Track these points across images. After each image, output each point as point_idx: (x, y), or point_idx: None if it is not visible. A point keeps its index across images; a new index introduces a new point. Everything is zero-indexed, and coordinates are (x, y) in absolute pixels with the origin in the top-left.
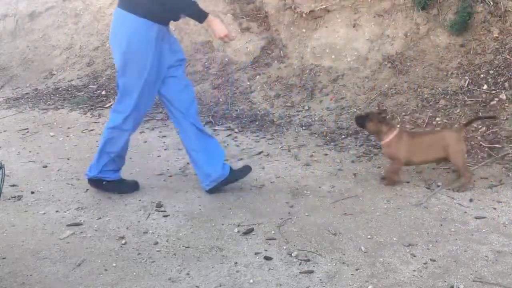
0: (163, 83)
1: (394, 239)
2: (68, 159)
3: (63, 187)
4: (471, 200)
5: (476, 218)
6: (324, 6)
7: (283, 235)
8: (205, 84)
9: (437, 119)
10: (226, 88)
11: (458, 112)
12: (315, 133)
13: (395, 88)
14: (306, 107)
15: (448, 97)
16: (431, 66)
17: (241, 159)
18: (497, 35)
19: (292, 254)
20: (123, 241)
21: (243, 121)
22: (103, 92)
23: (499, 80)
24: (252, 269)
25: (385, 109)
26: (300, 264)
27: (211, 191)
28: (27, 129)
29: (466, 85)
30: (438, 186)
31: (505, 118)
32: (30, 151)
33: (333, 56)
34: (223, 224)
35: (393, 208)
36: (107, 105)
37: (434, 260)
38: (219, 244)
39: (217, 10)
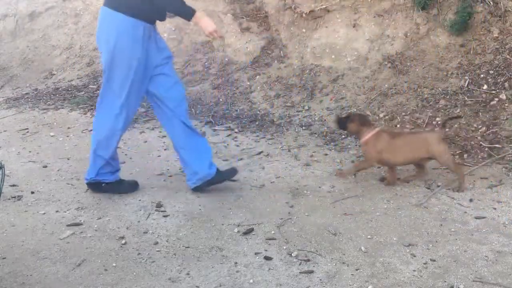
0: (151, 81)
1: (394, 239)
2: (68, 159)
3: (63, 187)
4: (471, 200)
5: (476, 218)
6: (324, 6)
7: (283, 235)
8: (205, 84)
9: (437, 119)
10: (226, 88)
11: (458, 112)
12: (315, 133)
13: (395, 88)
14: (306, 107)
15: (448, 97)
16: (431, 66)
17: (241, 159)
18: (497, 35)
19: (292, 254)
20: (123, 241)
21: (243, 121)
22: None
23: (499, 80)
24: (252, 269)
25: (365, 115)
26: (300, 264)
27: (196, 189)
28: (27, 129)
29: (466, 85)
30: (438, 186)
31: (505, 118)
32: (30, 151)
33: (333, 56)
34: (223, 224)
35: (393, 208)
36: None
37: (434, 260)
38: (219, 244)
39: (217, 10)
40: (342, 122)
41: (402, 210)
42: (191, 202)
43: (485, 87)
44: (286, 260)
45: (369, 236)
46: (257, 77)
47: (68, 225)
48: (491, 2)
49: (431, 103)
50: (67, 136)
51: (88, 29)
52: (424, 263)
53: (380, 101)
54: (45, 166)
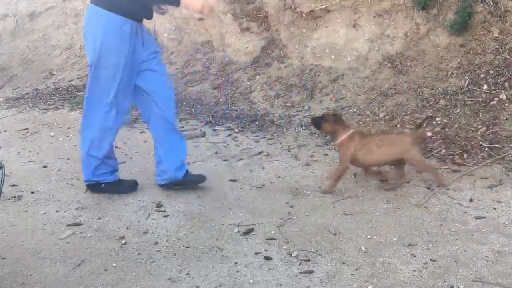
0: (139, 75)
1: (394, 239)
2: (68, 159)
3: (63, 187)
4: (471, 200)
5: (476, 218)
6: (324, 6)
7: (283, 235)
8: (205, 84)
9: (437, 119)
10: (226, 88)
11: (458, 112)
12: (315, 133)
13: (395, 88)
14: (306, 107)
15: (448, 97)
16: (431, 66)
17: (241, 159)
18: (497, 35)
19: (292, 254)
20: (123, 241)
21: (243, 121)
22: None
23: (499, 80)
24: (252, 269)
25: (338, 113)
26: (300, 264)
27: (162, 186)
28: (27, 129)
29: (466, 85)
30: (438, 186)
31: (505, 118)
32: (30, 151)
33: (333, 56)
34: (223, 224)
35: (393, 208)
36: None
37: (434, 260)
38: (219, 244)
39: (217, 10)
40: (317, 122)
41: (402, 210)
42: (191, 202)
43: (485, 87)
44: (286, 260)
45: (369, 236)
46: (257, 77)
47: (68, 225)
48: (491, 2)
49: (431, 103)
50: (67, 136)
51: None
52: (424, 263)
53: (380, 101)
54: (45, 166)
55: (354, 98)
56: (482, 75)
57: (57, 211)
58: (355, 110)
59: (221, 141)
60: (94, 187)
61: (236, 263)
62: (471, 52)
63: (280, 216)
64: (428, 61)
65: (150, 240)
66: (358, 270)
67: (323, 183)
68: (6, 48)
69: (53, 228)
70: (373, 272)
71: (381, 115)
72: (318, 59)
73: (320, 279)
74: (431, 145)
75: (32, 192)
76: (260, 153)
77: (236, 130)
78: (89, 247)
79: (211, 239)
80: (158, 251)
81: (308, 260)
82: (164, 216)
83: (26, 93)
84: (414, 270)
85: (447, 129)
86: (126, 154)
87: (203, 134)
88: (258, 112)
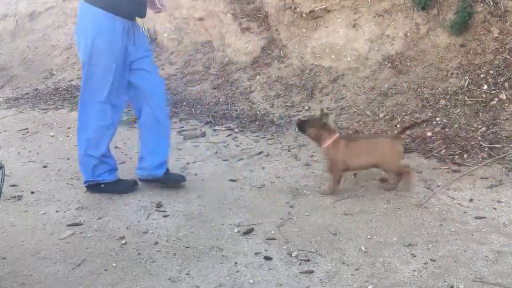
0: (132, 73)
1: (394, 239)
2: (68, 159)
3: (63, 187)
4: (471, 200)
5: (476, 218)
6: (324, 6)
7: (283, 235)
8: (205, 84)
9: (437, 119)
10: (226, 88)
11: (458, 112)
12: None
13: (395, 88)
14: (306, 107)
15: (448, 97)
16: (431, 66)
17: (241, 159)
18: (497, 35)
19: (292, 254)
20: (123, 241)
21: (243, 121)
22: None
23: (499, 80)
24: (252, 269)
25: (326, 113)
26: (300, 264)
27: (141, 180)
28: (27, 129)
29: (466, 85)
30: (438, 186)
31: (505, 118)
32: (30, 151)
33: (333, 56)
34: (223, 224)
35: (393, 208)
36: None
37: (434, 260)
38: (219, 244)
39: (217, 10)
40: (302, 126)
41: (402, 210)
42: (191, 202)
43: (485, 87)
44: (286, 260)
45: (369, 236)
46: (257, 77)
47: (68, 225)
48: (491, 2)
49: (431, 103)
50: (67, 136)
51: None
52: (424, 263)
53: (380, 101)
54: (45, 166)
55: (354, 98)
56: (482, 75)
57: (57, 211)
58: (355, 110)
59: (221, 141)
60: (94, 187)
61: (236, 263)
62: (471, 52)
63: (280, 216)
64: (428, 61)
65: (150, 240)
66: (358, 270)
67: (323, 183)
68: (6, 48)
69: (53, 228)
70: (373, 272)
71: (381, 115)
72: (318, 59)
73: (320, 279)
74: (431, 145)
75: (32, 192)
76: (260, 153)
77: (236, 130)
78: (89, 247)
79: (211, 239)
80: (158, 251)
81: (308, 260)
82: (164, 216)
83: (26, 93)
84: (414, 270)
85: (447, 129)
86: (126, 154)
87: (203, 134)
88: (258, 112)
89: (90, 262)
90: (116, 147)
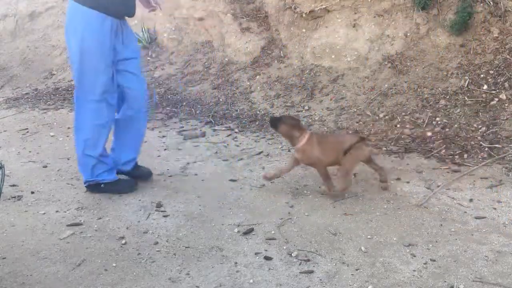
0: (118, 73)
1: (394, 239)
2: (68, 159)
3: (63, 187)
4: (471, 200)
5: (476, 218)
6: (324, 6)
7: (283, 235)
8: (205, 84)
9: (437, 119)
10: (226, 88)
11: (458, 112)
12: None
13: (395, 88)
14: (306, 107)
15: (448, 97)
16: (431, 66)
17: (241, 159)
18: (497, 35)
19: (292, 254)
20: (123, 241)
21: (243, 121)
22: None
23: (499, 80)
24: (252, 269)
25: (298, 119)
26: (300, 264)
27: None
28: (27, 129)
29: (466, 85)
30: (438, 186)
31: (505, 118)
32: (30, 151)
33: (333, 56)
34: (223, 224)
35: (393, 208)
36: None
37: (434, 260)
38: (219, 244)
39: (217, 10)
40: (274, 122)
41: (402, 210)
42: (191, 202)
43: (485, 87)
44: (286, 260)
45: (369, 236)
46: (257, 77)
47: (68, 225)
48: (491, 2)
49: (431, 103)
50: (67, 136)
51: None
52: (424, 263)
53: (380, 101)
54: (45, 166)
55: (354, 98)
56: (482, 75)
57: (57, 211)
58: (355, 110)
59: (221, 141)
60: (94, 187)
61: (236, 263)
62: (471, 52)
63: (280, 216)
64: (428, 61)
65: (150, 240)
66: (358, 270)
67: (323, 184)
68: (6, 48)
69: (53, 228)
70: (373, 272)
71: (381, 115)
72: (318, 59)
73: (320, 279)
74: (431, 145)
75: (32, 192)
76: (260, 153)
77: (236, 130)
78: (89, 247)
79: (211, 239)
80: (158, 251)
81: (308, 260)
82: (164, 216)
83: (26, 93)
84: (414, 270)
85: (447, 129)
86: None
87: (203, 134)
88: (258, 112)
89: (90, 262)
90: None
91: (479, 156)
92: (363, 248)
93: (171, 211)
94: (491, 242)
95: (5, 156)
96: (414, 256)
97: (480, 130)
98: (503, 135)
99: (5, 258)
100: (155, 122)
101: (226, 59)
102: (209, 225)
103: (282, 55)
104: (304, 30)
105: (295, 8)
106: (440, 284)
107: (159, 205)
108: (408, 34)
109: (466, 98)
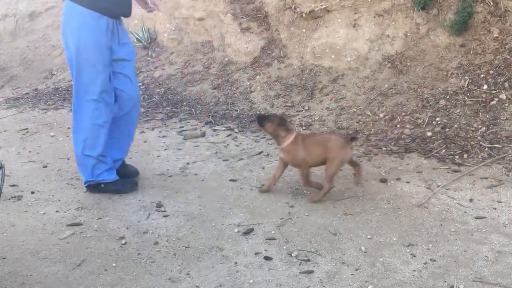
0: (114, 75)
1: (394, 239)
2: (68, 159)
3: (63, 187)
4: (471, 200)
5: (476, 218)
6: (324, 6)
7: (283, 235)
8: (205, 84)
9: (437, 119)
10: (226, 88)
11: (458, 112)
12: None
13: (395, 88)
14: (306, 107)
15: (448, 97)
16: (431, 66)
17: (241, 159)
18: (497, 35)
19: (292, 254)
20: (123, 241)
21: (243, 121)
22: None
23: (499, 80)
24: (252, 269)
25: (285, 118)
26: (300, 264)
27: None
28: (27, 129)
29: (466, 85)
30: (438, 186)
31: (505, 118)
32: (30, 151)
33: (333, 56)
34: (223, 224)
35: (393, 208)
36: None
37: (434, 260)
38: (219, 244)
39: (217, 10)
40: (261, 120)
41: (402, 210)
42: (191, 202)
43: (485, 87)
44: (286, 260)
45: (369, 236)
46: (257, 77)
47: (68, 225)
48: (491, 2)
49: (431, 103)
50: (67, 136)
51: None
52: (424, 263)
53: (380, 101)
54: (45, 166)
55: (354, 98)
56: (482, 75)
57: (57, 211)
58: (355, 110)
59: (221, 141)
60: (94, 187)
61: (236, 263)
62: (471, 52)
63: (280, 216)
64: (428, 61)
65: (150, 240)
66: (358, 270)
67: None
68: (6, 48)
69: (53, 228)
70: (373, 272)
71: (381, 115)
72: (318, 59)
73: (320, 279)
74: (431, 145)
75: (32, 192)
76: (260, 153)
77: (236, 130)
78: (89, 247)
79: (211, 239)
80: (158, 251)
81: (308, 260)
82: (164, 216)
83: (26, 93)
84: (414, 270)
85: (447, 129)
86: None
87: (203, 134)
88: (258, 112)
89: (90, 262)
90: None
91: (479, 156)
92: (363, 248)
93: (171, 211)
94: (491, 242)
95: (5, 156)
96: (414, 256)
97: (480, 130)
98: (503, 135)
99: (5, 258)
100: (155, 122)
101: (226, 59)
102: (209, 225)
103: (282, 55)
104: (304, 30)
105: (295, 8)
106: (440, 284)
107: (159, 205)
108: (408, 34)
109: (466, 98)
